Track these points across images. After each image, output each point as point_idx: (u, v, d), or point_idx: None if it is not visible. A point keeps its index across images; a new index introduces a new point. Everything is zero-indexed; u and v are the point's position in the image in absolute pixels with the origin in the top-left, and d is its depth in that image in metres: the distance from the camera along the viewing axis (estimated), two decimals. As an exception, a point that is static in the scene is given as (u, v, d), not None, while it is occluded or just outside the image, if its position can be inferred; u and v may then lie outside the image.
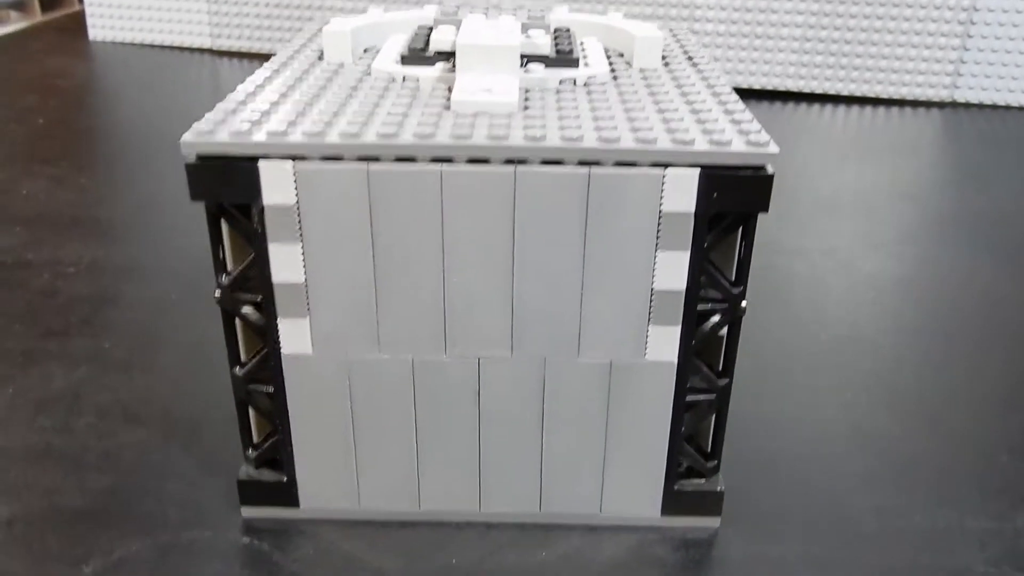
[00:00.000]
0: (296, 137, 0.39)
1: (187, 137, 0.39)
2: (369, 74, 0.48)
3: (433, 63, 0.48)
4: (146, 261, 0.75)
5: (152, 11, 1.36)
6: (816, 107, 1.16)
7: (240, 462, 0.48)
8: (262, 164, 0.39)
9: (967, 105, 1.16)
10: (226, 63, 1.34)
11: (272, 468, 0.48)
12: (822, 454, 0.53)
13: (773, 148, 0.39)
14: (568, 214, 0.40)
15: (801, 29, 1.15)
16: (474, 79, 0.44)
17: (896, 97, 1.16)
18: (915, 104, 1.16)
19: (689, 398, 0.45)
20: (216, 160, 0.39)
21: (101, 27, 1.39)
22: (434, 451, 0.46)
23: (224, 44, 1.38)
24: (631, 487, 0.47)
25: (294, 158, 0.39)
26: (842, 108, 1.15)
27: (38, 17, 1.55)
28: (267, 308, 0.43)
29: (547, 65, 0.48)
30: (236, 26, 1.36)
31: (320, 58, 0.51)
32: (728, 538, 0.47)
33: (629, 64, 0.51)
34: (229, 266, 0.43)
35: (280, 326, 0.43)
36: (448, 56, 0.48)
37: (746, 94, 1.18)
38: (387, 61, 0.49)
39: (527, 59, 0.48)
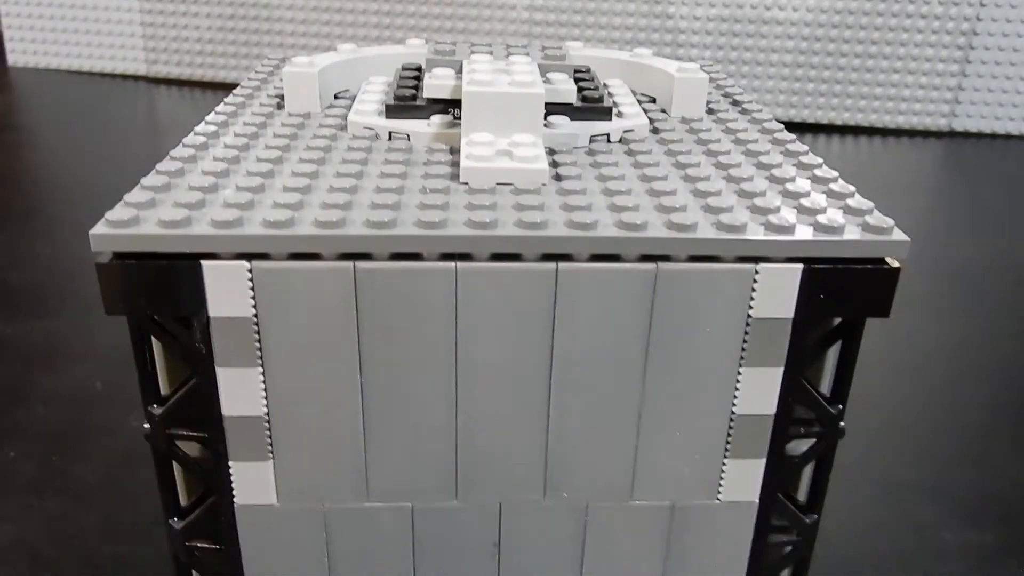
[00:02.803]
0: (254, 227, 0.28)
1: (99, 229, 0.28)
2: (344, 129, 0.38)
3: (427, 115, 0.37)
4: (69, 340, 0.63)
5: (81, 35, 1.23)
6: (809, 137, 1.08)
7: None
8: (207, 266, 0.28)
9: (966, 134, 1.09)
10: (163, 91, 1.22)
11: (224, 642, 0.37)
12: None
13: (900, 235, 0.29)
14: (626, 323, 0.30)
15: (792, 55, 1.07)
16: (486, 138, 0.34)
17: (893, 127, 1.09)
18: (912, 134, 1.09)
19: (769, 539, 0.35)
20: (141, 260, 0.28)
21: (23, 52, 1.25)
22: (441, 623, 0.35)
23: (161, 71, 1.25)
24: (692, 654, 0.37)
25: (251, 256, 0.28)
26: (836, 139, 1.07)
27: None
28: (215, 448, 0.32)
29: (572, 117, 0.38)
30: (175, 51, 1.23)
31: (280, 107, 0.41)
32: None
33: (665, 112, 0.42)
34: (162, 390, 0.32)
35: (233, 471, 0.32)
36: (446, 105, 0.38)
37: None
38: (367, 112, 0.38)
39: (548, 109, 0.38)
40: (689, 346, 0.30)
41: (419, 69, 0.43)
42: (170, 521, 0.34)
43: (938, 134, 1.09)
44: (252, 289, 0.29)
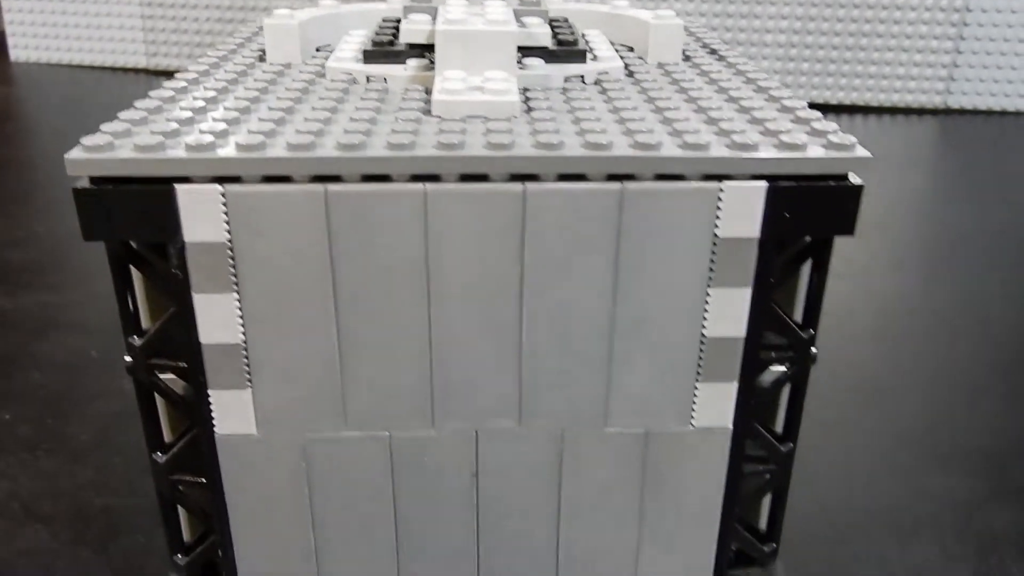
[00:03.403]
0: (227, 150, 0.29)
1: (74, 153, 0.28)
2: (323, 75, 0.38)
3: (404, 60, 0.38)
4: (64, 312, 0.64)
5: (81, 28, 1.25)
6: (803, 117, 1.08)
7: (167, 571, 0.37)
8: (181, 189, 0.29)
9: (962, 111, 1.10)
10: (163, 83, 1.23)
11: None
12: (887, 521, 0.44)
13: (862, 152, 0.30)
14: (594, 244, 0.30)
15: (786, 35, 1.08)
16: (460, 75, 0.34)
17: (888, 105, 1.09)
18: (908, 111, 1.09)
19: (744, 468, 0.35)
20: (117, 184, 0.29)
21: (24, 47, 1.27)
22: (420, 552, 0.36)
23: (161, 63, 1.26)
24: (672, 585, 0.37)
25: (224, 180, 0.29)
26: (831, 118, 1.07)
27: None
28: (194, 377, 0.32)
29: (547, 60, 0.38)
30: (174, 43, 1.25)
31: (261, 59, 0.41)
32: (794, 644, 0.38)
33: (643, 59, 0.42)
34: (143, 324, 0.33)
35: (213, 400, 0.32)
36: (423, 50, 0.38)
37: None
38: (345, 59, 0.39)
39: (523, 53, 0.38)
40: (657, 267, 0.31)
41: (399, 21, 0.43)
42: (154, 456, 0.35)
43: (934, 111, 1.09)
44: (226, 214, 0.29)
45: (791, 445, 0.36)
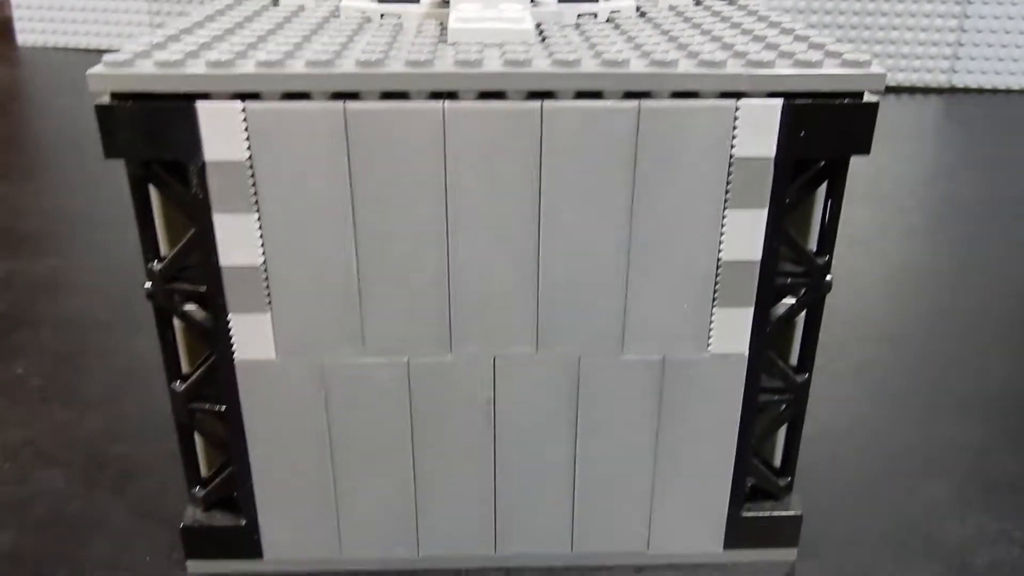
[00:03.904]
0: (247, 67, 0.29)
1: (97, 69, 0.29)
2: (337, 15, 0.38)
3: (418, -2, 0.38)
4: (72, 275, 0.64)
5: (87, 12, 1.25)
6: (808, 97, 1.08)
7: (184, 506, 0.38)
8: (201, 106, 0.29)
9: (966, 90, 1.10)
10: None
11: (226, 510, 0.37)
12: (899, 470, 0.44)
13: (877, 69, 0.30)
14: (610, 164, 0.30)
15: (790, 15, 1.08)
16: (475, 7, 0.35)
17: (893, 84, 1.09)
18: (913, 91, 1.09)
19: (760, 399, 0.36)
20: (138, 100, 0.29)
21: (31, 31, 1.27)
22: (436, 480, 0.36)
23: (167, 48, 1.26)
24: (686, 516, 0.37)
25: (244, 96, 0.29)
26: (835, 97, 1.08)
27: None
28: (214, 301, 0.32)
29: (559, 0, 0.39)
30: (180, 28, 1.25)
31: (275, 3, 0.42)
32: (809, 574, 0.38)
33: (655, 3, 0.42)
34: (162, 249, 0.33)
35: (232, 324, 0.33)
36: (437, -12, 0.39)
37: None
38: (360, -3, 0.39)
39: (535, -8, 0.38)
40: (674, 188, 0.31)
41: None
42: (172, 385, 0.35)
43: (939, 90, 1.10)
44: (246, 131, 0.29)
45: (806, 375, 0.36)
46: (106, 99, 0.29)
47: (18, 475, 0.43)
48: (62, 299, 0.60)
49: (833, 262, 0.33)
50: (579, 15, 0.38)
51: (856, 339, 0.56)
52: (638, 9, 0.40)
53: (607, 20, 0.38)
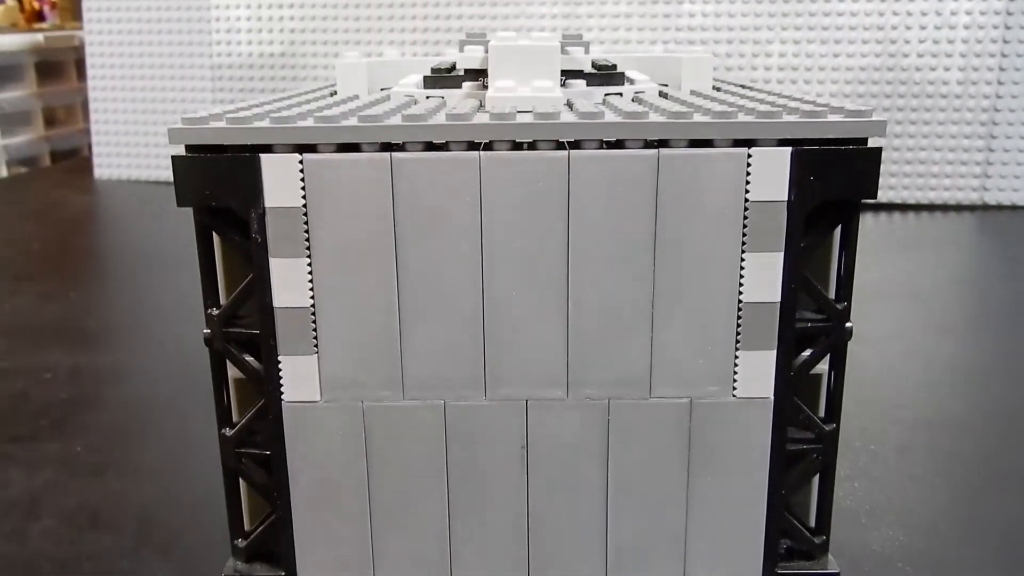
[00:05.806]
0: (306, 122, 0.33)
1: (176, 125, 0.33)
2: (388, 100, 0.43)
3: (460, 84, 0.42)
4: (133, 366, 0.67)
5: (158, 148, 1.35)
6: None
7: (226, 559, 0.38)
8: (264, 158, 0.33)
9: (999, 207, 1.12)
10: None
11: (266, 562, 0.38)
12: (937, 546, 0.43)
13: (878, 117, 0.32)
14: (632, 208, 0.33)
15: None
16: (510, 83, 0.38)
17: (925, 202, 1.12)
18: (946, 208, 1.12)
19: (788, 448, 0.36)
20: (210, 153, 0.33)
21: (107, 165, 1.37)
22: (471, 520, 0.36)
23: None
24: (721, 570, 0.37)
25: (302, 148, 0.33)
26: (869, 215, 1.10)
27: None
28: (265, 344, 0.35)
29: (588, 83, 0.42)
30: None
31: (332, 95, 0.46)
32: (850, 637, 0.37)
33: (677, 88, 0.46)
34: (221, 298, 0.36)
35: (283, 367, 0.35)
36: (477, 74, 0.43)
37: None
38: (407, 85, 0.43)
39: (565, 76, 0.42)
40: (694, 231, 0.33)
41: (454, 65, 0.48)
42: (222, 432, 0.37)
43: (971, 208, 1.12)
44: (302, 180, 0.33)
45: (834, 425, 0.36)
46: (181, 151, 0.33)
47: (71, 536, 0.44)
48: (123, 387, 0.63)
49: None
50: (606, 95, 0.41)
51: (890, 421, 0.56)
52: (661, 93, 0.44)
53: (632, 99, 0.42)
